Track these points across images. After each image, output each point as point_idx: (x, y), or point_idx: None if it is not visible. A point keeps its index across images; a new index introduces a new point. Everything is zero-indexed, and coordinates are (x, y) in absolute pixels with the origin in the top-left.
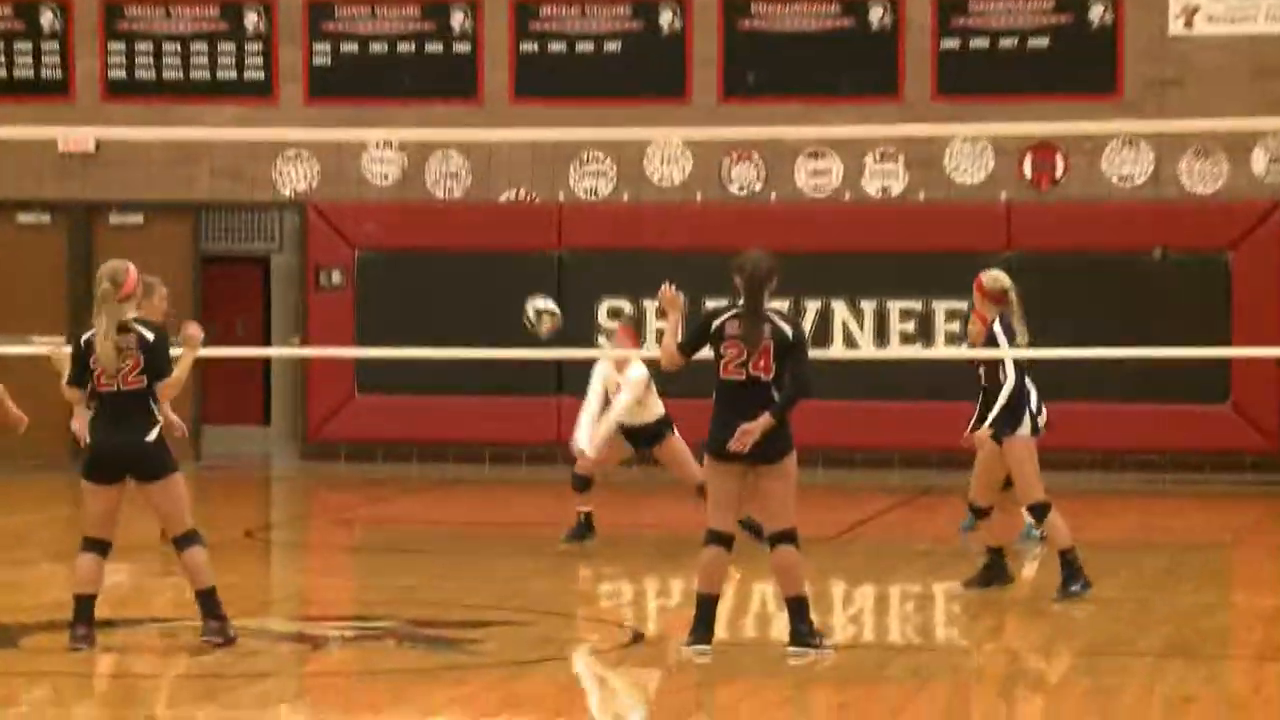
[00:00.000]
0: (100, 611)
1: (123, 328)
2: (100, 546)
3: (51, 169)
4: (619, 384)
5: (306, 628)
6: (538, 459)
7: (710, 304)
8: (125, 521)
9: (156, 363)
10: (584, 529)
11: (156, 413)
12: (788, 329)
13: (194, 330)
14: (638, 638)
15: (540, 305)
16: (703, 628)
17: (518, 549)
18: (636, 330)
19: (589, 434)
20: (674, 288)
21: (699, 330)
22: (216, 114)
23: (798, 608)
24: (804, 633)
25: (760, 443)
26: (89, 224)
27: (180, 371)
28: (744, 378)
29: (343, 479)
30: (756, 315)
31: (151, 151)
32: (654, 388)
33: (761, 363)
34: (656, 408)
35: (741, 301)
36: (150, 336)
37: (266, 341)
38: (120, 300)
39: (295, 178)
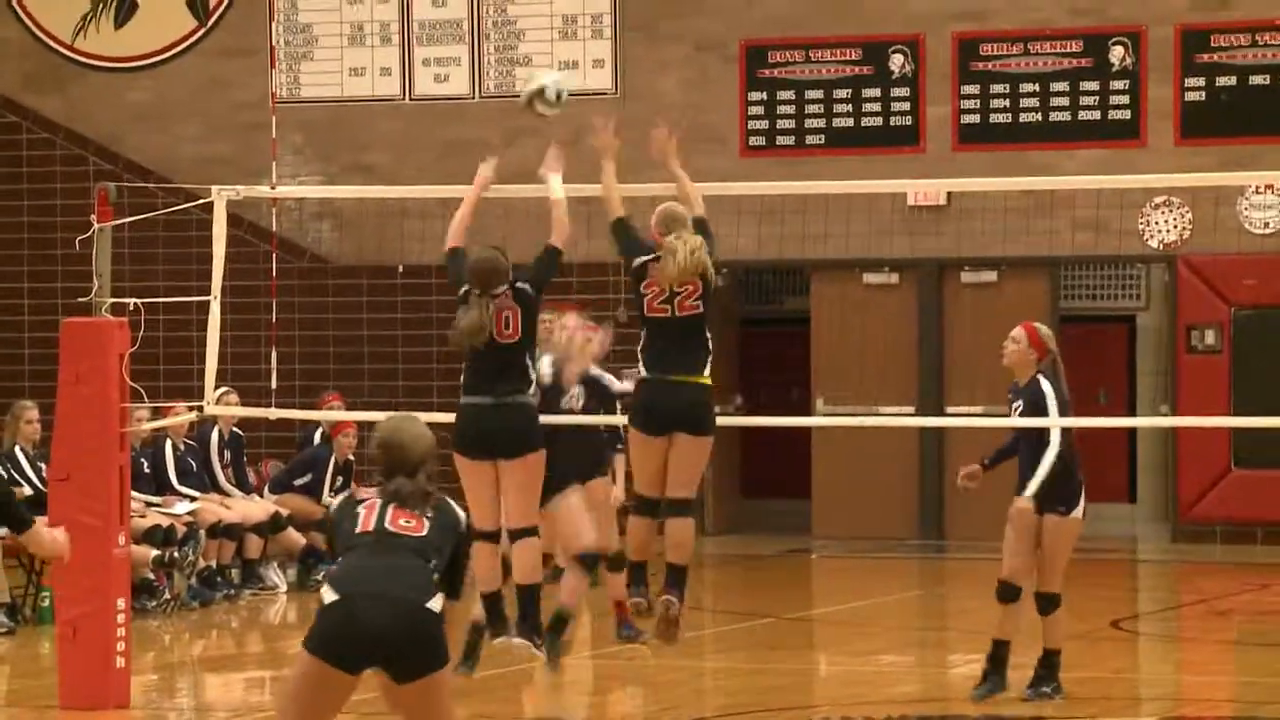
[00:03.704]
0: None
1: None
2: None
3: (900, 224)
4: None
5: None
6: None
7: None
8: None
9: None
10: None
11: None
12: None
13: None
14: None
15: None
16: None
17: None
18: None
19: None
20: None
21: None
22: (1077, 159)
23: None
24: None
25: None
26: (939, 282)
27: None
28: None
29: (1218, 563)
30: None
31: (1006, 202)
32: None
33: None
34: None
35: None
36: None
37: (1131, 409)
38: None
39: (1165, 228)
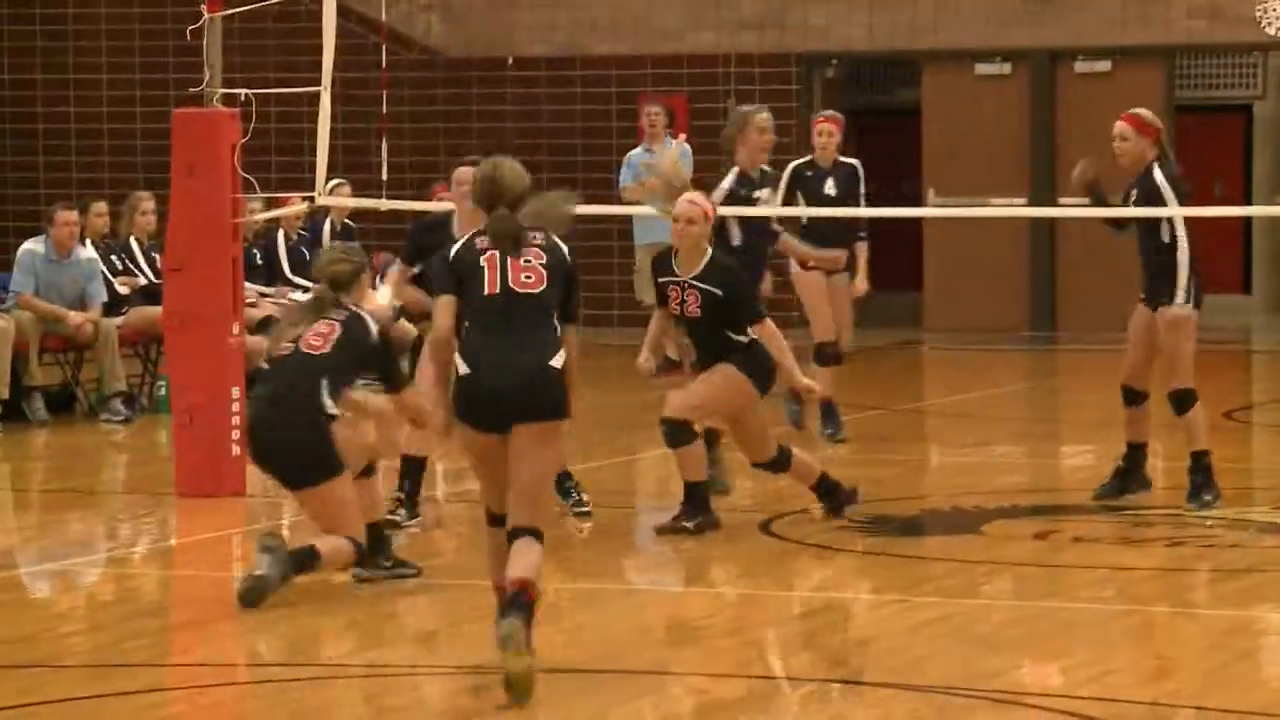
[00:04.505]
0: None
1: None
2: None
3: (1012, 14)
4: None
5: None
6: None
7: None
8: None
9: None
10: None
11: None
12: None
13: None
14: None
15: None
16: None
17: None
18: None
19: None
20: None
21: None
22: None
23: None
24: None
25: None
26: (1052, 73)
27: None
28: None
29: None
30: None
31: None
32: None
33: None
34: None
35: None
36: None
37: (1247, 200)
38: None
39: None
